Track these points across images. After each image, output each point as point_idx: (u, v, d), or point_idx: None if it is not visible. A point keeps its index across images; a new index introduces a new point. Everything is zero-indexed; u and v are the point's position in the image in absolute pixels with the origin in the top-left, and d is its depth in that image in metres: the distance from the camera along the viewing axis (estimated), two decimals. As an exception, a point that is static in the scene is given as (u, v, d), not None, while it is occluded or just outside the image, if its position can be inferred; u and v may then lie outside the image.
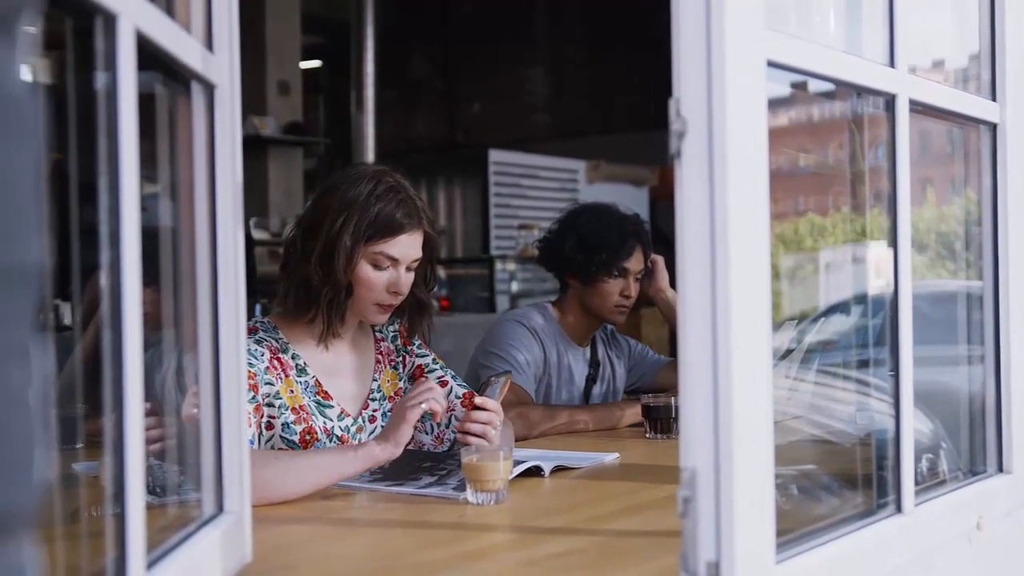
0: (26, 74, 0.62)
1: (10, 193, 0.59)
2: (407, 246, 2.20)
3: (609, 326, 3.20)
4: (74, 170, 1.06)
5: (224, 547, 1.32)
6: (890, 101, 1.51)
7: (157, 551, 1.15)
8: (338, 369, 2.29)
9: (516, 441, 2.61)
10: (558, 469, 2.17)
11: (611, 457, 2.35)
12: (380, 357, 2.38)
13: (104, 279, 1.02)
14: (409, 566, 1.52)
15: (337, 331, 2.26)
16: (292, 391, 2.18)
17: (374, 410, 2.32)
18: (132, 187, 1.02)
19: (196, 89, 1.33)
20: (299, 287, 2.20)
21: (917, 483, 1.55)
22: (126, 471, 1.01)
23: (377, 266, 2.18)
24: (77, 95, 1.06)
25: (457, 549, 1.61)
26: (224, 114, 1.36)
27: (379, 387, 2.35)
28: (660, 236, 5.00)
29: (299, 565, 1.55)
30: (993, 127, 1.81)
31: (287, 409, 2.16)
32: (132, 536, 1.01)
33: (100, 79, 1.01)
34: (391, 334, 2.42)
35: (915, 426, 1.56)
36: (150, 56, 1.11)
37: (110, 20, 0.99)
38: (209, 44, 1.35)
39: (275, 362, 2.17)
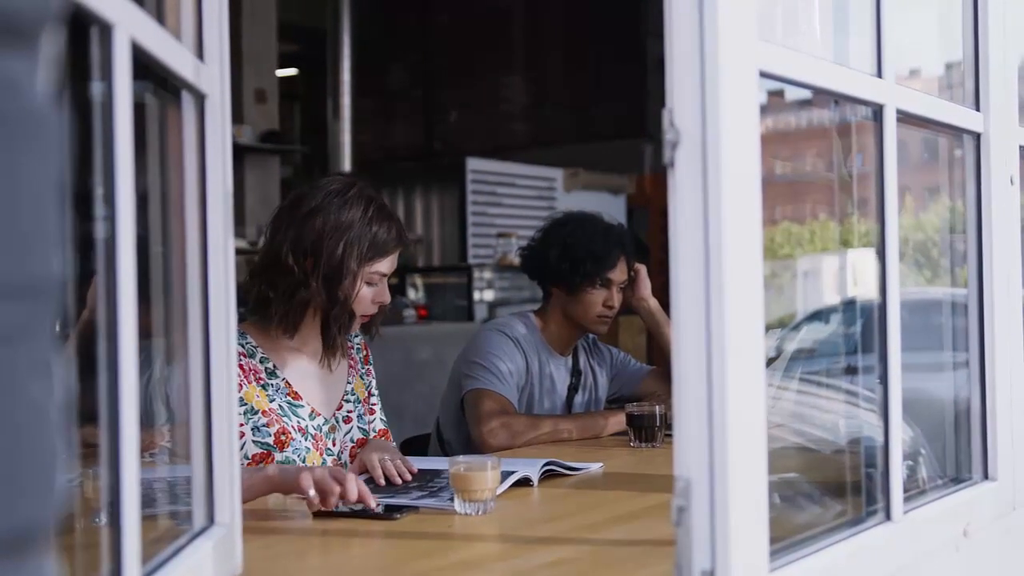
0: (48, 87, 0.62)
1: (34, 207, 0.59)
2: (394, 261, 2.32)
3: (591, 335, 3.20)
4: (67, 180, 1.05)
5: (216, 559, 1.32)
6: (878, 111, 1.52)
7: (150, 563, 1.14)
8: (311, 373, 2.34)
9: (500, 451, 2.61)
10: (547, 475, 2.18)
11: (596, 467, 2.35)
12: (352, 363, 2.45)
13: (96, 289, 1.01)
14: (400, 577, 1.51)
15: (344, 349, 2.36)
16: (259, 396, 2.22)
17: (348, 411, 2.39)
18: (127, 197, 1.01)
19: (186, 99, 1.33)
20: (300, 308, 2.25)
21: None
22: (122, 483, 1.00)
23: (370, 283, 2.28)
24: (70, 104, 1.05)
25: (447, 560, 1.61)
26: (215, 123, 1.36)
27: (352, 390, 2.42)
28: (637, 244, 5.00)
29: (289, 576, 1.55)
30: (977, 136, 1.82)
31: (256, 413, 2.20)
32: (127, 548, 1.00)
33: (95, 88, 1.01)
34: (356, 345, 2.49)
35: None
36: (141, 65, 1.10)
37: (106, 30, 0.99)
38: (200, 53, 1.34)
39: (238, 368, 2.19)
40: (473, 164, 8.21)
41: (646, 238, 7.77)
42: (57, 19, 0.64)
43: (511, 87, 9.85)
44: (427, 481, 2.12)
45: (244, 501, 1.87)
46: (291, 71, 9.83)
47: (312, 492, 1.79)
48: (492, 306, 7.52)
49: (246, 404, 2.19)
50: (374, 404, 2.49)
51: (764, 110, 1.52)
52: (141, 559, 1.04)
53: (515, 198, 8.37)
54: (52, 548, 0.59)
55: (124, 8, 1.02)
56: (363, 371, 2.47)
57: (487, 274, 7.68)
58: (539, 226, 3.17)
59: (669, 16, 1.18)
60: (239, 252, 2.35)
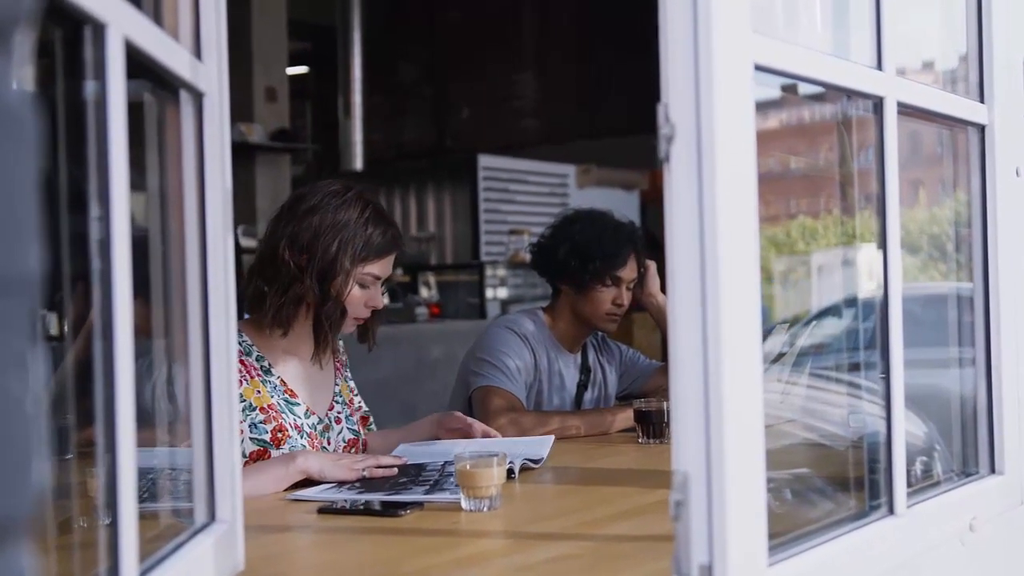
0: (22, 84, 0.63)
1: (10, 202, 0.59)
2: (389, 265, 2.35)
3: (600, 332, 3.19)
4: (62, 179, 1.06)
5: (216, 556, 1.32)
6: (878, 104, 1.52)
7: (150, 560, 1.15)
8: (304, 373, 2.37)
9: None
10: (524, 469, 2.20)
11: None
12: (339, 366, 2.50)
13: (95, 289, 1.02)
14: (403, 574, 1.51)
15: (335, 347, 2.37)
16: (259, 392, 2.26)
17: (338, 412, 2.43)
18: (122, 196, 1.02)
19: (184, 97, 1.33)
20: (293, 303, 2.27)
21: (911, 485, 1.55)
22: (118, 480, 1.00)
23: (362, 285, 2.31)
24: (65, 103, 1.06)
25: (451, 555, 1.61)
26: (213, 122, 1.36)
27: (339, 392, 2.46)
28: (651, 240, 5.00)
29: (291, 574, 1.55)
30: (981, 128, 1.81)
31: (254, 410, 2.23)
32: (125, 545, 1.01)
33: (89, 87, 1.01)
34: (340, 349, 2.54)
35: (909, 429, 1.57)
36: (138, 64, 1.11)
37: (99, 29, 0.99)
38: (197, 52, 1.34)
39: (238, 365, 2.21)
40: (485, 161, 8.21)
41: (659, 234, 7.77)
42: (31, 18, 0.65)
43: (522, 83, 9.84)
44: (417, 476, 2.12)
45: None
46: (302, 69, 9.83)
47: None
48: (505, 303, 7.52)
49: (245, 401, 2.22)
50: (360, 401, 2.54)
51: (778, 105, 1.52)
52: (139, 556, 1.04)
53: (527, 195, 8.37)
54: (29, 540, 0.60)
55: (118, 7, 1.02)
56: (346, 375, 2.53)
57: (500, 271, 7.68)
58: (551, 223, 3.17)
59: (663, 10, 1.18)
60: (250, 251, 2.37)
